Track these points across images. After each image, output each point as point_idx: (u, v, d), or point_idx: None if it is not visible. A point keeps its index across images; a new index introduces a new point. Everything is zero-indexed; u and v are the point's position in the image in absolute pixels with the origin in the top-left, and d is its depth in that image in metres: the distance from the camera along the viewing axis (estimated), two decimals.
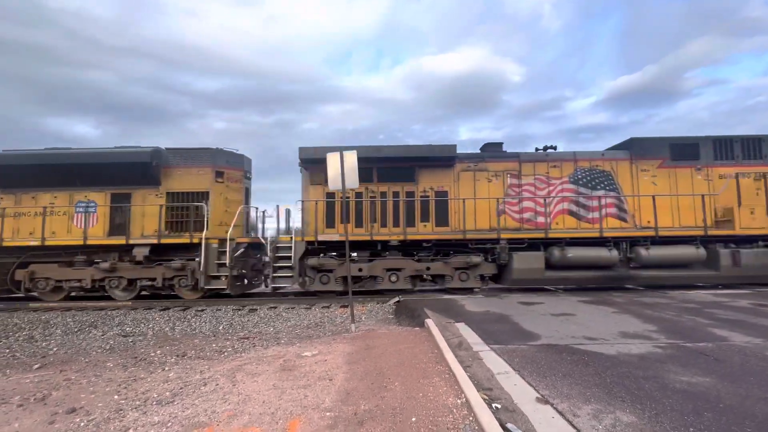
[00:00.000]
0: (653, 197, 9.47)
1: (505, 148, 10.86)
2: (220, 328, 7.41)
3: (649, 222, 9.60)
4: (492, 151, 10.69)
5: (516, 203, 10.06)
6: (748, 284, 9.64)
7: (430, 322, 5.86)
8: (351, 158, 6.28)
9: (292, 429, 2.74)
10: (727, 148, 9.96)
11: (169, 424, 2.96)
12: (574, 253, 9.32)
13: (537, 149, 10.76)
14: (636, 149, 10.14)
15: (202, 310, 8.74)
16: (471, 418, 2.74)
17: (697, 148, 9.97)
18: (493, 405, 2.94)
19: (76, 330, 7.43)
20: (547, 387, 3.30)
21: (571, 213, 9.95)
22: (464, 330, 5.54)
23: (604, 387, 3.28)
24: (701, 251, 9.33)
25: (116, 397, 3.75)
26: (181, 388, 3.82)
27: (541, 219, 9.90)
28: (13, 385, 4.28)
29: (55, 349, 6.29)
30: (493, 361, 4.10)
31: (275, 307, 8.83)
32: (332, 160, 6.32)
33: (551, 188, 10.02)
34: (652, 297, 8.39)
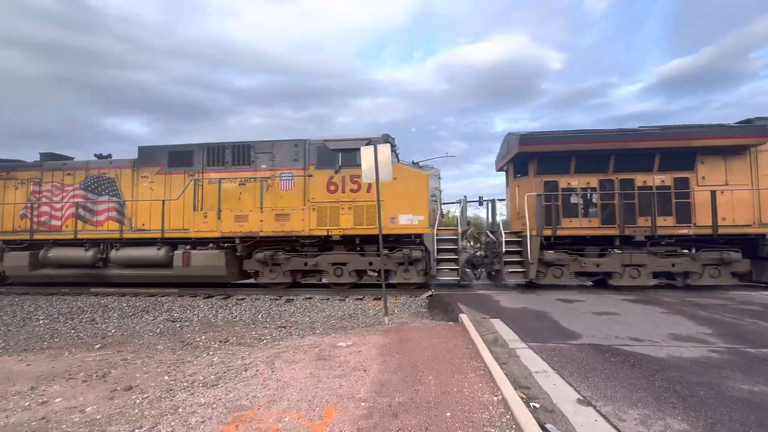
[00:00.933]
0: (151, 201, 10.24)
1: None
2: (259, 316, 7.72)
3: (144, 225, 10.34)
4: (21, 162, 11.72)
5: (37, 207, 10.95)
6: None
7: (464, 317, 5.79)
8: (385, 151, 6.28)
9: (329, 416, 2.81)
10: (219, 155, 10.15)
11: (214, 405, 3.13)
12: (55, 253, 10.51)
13: (97, 155, 11.32)
14: (142, 157, 10.57)
15: (242, 299, 9.14)
16: (508, 416, 2.68)
17: (191, 155, 10.26)
18: (531, 404, 2.86)
19: (130, 314, 8.03)
20: (590, 388, 3.16)
21: (80, 217, 10.69)
22: (500, 326, 5.42)
23: (652, 391, 3.09)
24: (161, 252, 9.98)
25: (166, 377, 4.01)
26: (224, 372, 4.02)
27: (55, 222, 10.82)
28: (78, 363, 4.69)
29: (113, 331, 6.82)
30: (530, 359, 3.99)
31: (310, 298, 9.07)
32: (366, 153, 6.34)
33: (64, 194, 10.87)
34: (707, 297, 7.78)
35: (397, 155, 9.66)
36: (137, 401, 3.37)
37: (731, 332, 5.02)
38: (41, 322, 7.52)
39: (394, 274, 9.47)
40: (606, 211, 9.19)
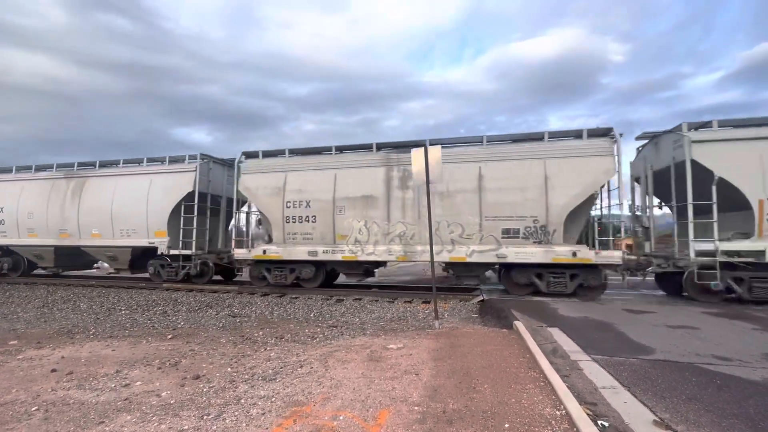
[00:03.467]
0: None
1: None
2: (312, 315, 7.97)
3: None
4: None
5: None
6: None
7: (519, 324, 5.53)
8: (436, 153, 6.20)
9: (382, 418, 2.81)
10: None
11: (273, 399, 3.27)
12: None
13: None
14: None
15: (296, 298, 9.51)
16: None
17: None
18: (600, 422, 2.64)
19: (196, 308, 8.68)
20: (667, 410, 2.85)
21: None
22: (559, 336, 5.10)
23: (746, 419, 2.72)
24: None
25: (229, 369, 4.27)
26: (281, 368, 4.20)
27: None
28: (154, 351, 5.16)
29: (182, 323, 7.43)
30: (595, 372, 3.70)
31: (360, 299, 9.20)
32: (417, 156, 6.31)
33: None
34: None
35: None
36: (204, 390, 3.62)
37: None
38: (123, 312, 8.39)
39: None
40: None
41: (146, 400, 3.40)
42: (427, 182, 6.22)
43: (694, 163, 7.81)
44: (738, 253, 7.65)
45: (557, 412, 2.79)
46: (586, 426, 2.47)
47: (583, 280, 8.43)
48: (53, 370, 4.35)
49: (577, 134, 8.73)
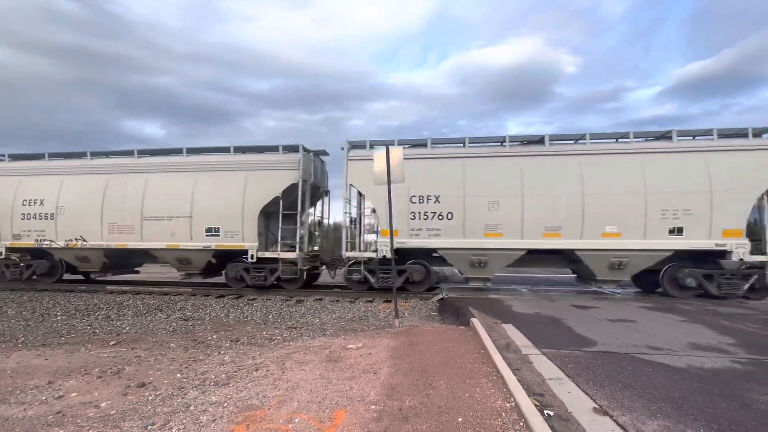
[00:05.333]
0: None
1: None
2: (270, 317, 7.76)
3: None
4: None
5: None
6: None
7: (475, 321, 5.71)
8: (397, 154, 6.26)
9: (339, 419, 2.79)
10: None
11: (225, 404, 3.14)
12: None
13: None
14: None
15: (254, 300, 9.21)
16: (521, 424, 2.62)
17: None
18: (546, 412, 2.79)
19: (144, 312, 8.16)
20: (606, 397, 3.07)
21: None
22: (512, 331, 5.33)
23: (672, 402, 2.99)
24: None
25: (179, 375, 4.05)
26: (235, 372, 4.04)
27: None
28: (94, 359, 4.78)
29: (127, 328, 6.94)
30: (544, 365, 3.90)
31: (321, 299, 9.09)
32: (378, 157, 6.34)
33: None
34: (729, 307, 7.53)
35: None
36: (150, 398, 3.40)
37: (755, 342, 4.84)
38: (59, 318, 7.71)
39: None
40: None
41: (82, 412, 3.14)
42: (389, 182, 6.27)
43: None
44: None
45: (507, 404, 2.92)
46: (533, 416, 2.60)
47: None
48: None
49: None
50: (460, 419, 2.71)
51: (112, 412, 3.11)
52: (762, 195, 8.45)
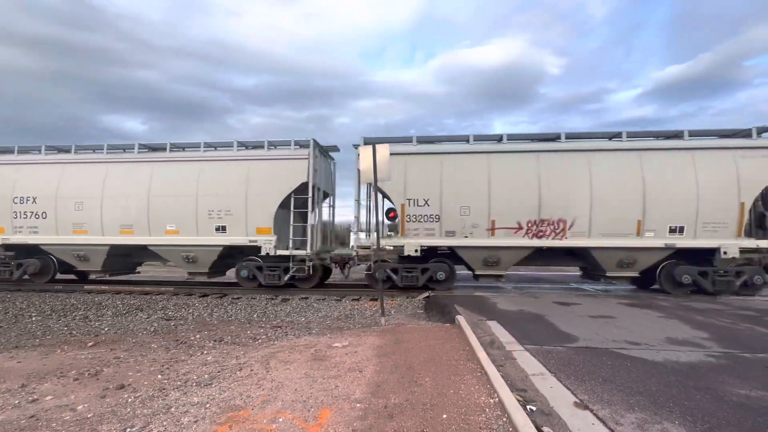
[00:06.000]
0: None
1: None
2: (255, 316, 7.67)
3: None
4: None
5: None
6: None
7: (461, 318, 5.77)
8: (384, 151, 6.25)
9: (323, 418, 2.78)
10: None
11: (208, 405, 3.09)
12: None
13: None
14: None
15: (238, 298, 9.09)
16: (504, 419, 2.66)
17: None
18: (528, 407, 2.84)
19: (124, 312, 7.95)
20: (586, 392, 3.14)
21: None
22: (497, 328, 5.40)
23: (649, 395, 3.08)
24: None
25: (159, 376, 3.96)
26: (218, 372, 3.98)
27: None
28: (71, 360, 4.63)
29: (106, 329, 6.75)
30: (527, 361, 3.97)
31: (306, 298, 9.03)
32: (365, 153, 6.31)
33: None
34: (703, 302, 7.80)
35: None
36: (129, 400, 3.32)
37: (727, 337, 5.02)
38: (33, 319, 7.44)
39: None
40: None
41: (57, 415, 3.04)
42: (375, 181, 6.25)
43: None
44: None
45: (491, 400, 2.95)
46: (516, 411, 2.64)
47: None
48: None
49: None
50: (444, 416, 2.73)
51: (89, 415, 3.02)
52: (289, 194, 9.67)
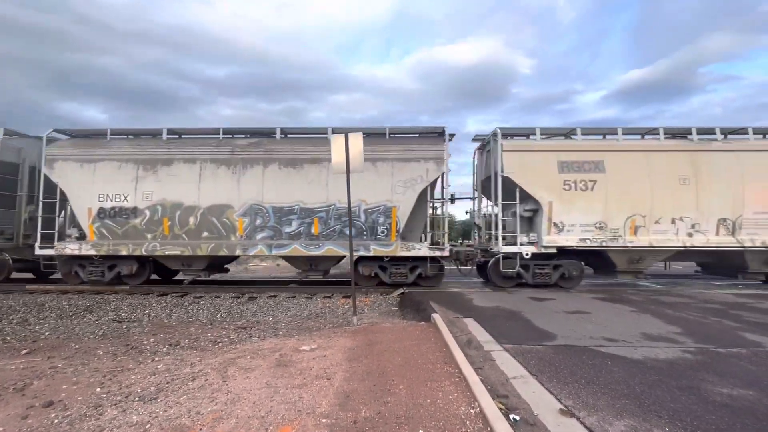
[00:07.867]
0: None
1: None
2: (218, 316, 7.15)
3: None
4: None
5: None
6: None
7: (436, 316, 5.53)
8: (357, 141, 5.89)
9: None
10: None
11: (148, 425, 2.66)
12: None
13: None
14: None
15: (200, 297, 8.49)
16: None
17: None
18: (511, 416, 2.60)
19: (70, 314, 7.21)
20: (571, 396, 2.95)
21: None
22: (473, 326, 5.20)
23: (634, 398, 2.92)
24: None
25: (98, 389, 3.46)
26: (167, 383, 3.52)
27: None
28: None
29: (47, 333, 6.06)
30: (506, 362, 3.76)
31: (275, 296, 8.56)
32: (336, 143, 5.93)
33: None
34: (670, 296, 7.97)
35: None
36: (56, 421, 2.83)
37: (699, 331, 5.04)
38: None
39: None
40: None
41: None
42: (347, 171, 5.89)
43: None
44: None
45: (471, 410, 2.69)
46: (498, 423, 2.39)
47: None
48: None
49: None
50: (420, 431, 2.44)
51: None
52: None
